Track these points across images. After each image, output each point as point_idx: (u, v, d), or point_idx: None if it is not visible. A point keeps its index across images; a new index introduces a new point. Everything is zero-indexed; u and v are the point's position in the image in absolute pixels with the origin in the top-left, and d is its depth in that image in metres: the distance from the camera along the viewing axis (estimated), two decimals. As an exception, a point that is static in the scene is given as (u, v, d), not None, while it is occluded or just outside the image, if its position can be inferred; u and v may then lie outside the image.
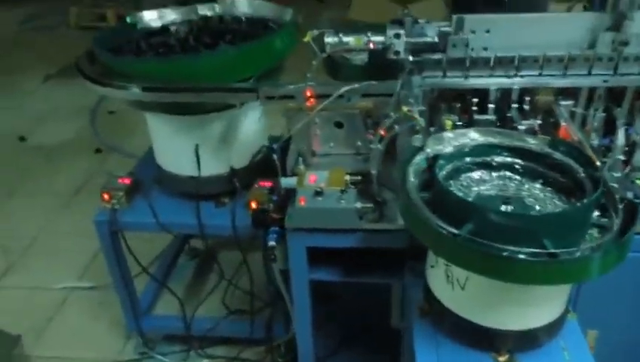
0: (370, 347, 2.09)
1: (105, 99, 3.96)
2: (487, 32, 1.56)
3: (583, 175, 1.23)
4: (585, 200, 1.13)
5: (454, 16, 1.56)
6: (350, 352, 2.13)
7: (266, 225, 1.71)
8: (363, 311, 2.12)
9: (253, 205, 1.74)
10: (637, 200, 1.15)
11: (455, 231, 1.12)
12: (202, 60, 1.80)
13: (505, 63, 1.55)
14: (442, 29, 1.58)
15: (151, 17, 2.11)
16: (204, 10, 2.22)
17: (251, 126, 1.97)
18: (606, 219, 1.17)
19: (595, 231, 1.16)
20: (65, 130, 4.01)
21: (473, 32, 1.56)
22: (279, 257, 1.70)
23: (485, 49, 1.56)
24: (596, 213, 1.20)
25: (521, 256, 1.05)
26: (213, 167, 1.96)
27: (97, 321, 2.44)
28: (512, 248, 1.07)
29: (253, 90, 1.66)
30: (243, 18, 2.17)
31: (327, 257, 1.71)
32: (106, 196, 1.95)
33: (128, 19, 2.10)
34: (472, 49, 1.56)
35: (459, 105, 1.67)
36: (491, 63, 1.54)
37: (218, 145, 1.94)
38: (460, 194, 1.27)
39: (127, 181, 2.00)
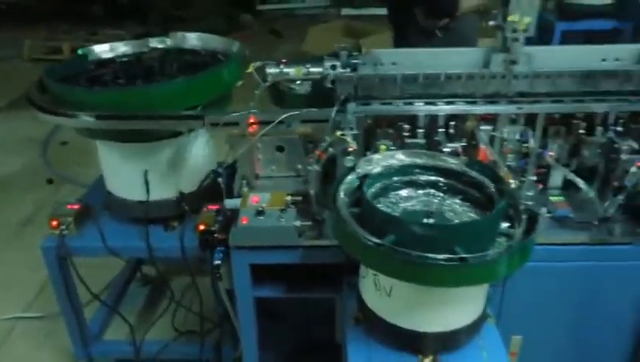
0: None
1: (58, 129, 3.96)
2: (394, 64, 1.73)
3: (493, 190, 1.37)
4: (490, 212, 1.27)
5: (364, 52, 1.74)
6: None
7: (212, 245, 1.79)
8: (310, 327, 2.20)
9: (201, 227, 1.82)
10: (536, 211, 1.30)
11: (379, 241, 1.23)
12: (152, 90, 1.88)
13: (409, 81, 1.71)
14: (353, 60, 1.73)
15: (102, 50, 2.19)
16: (155, 43, 2.32)
17: (199, 152, 2.05)
18: (513, 229, 1.31)
19: (503, 240, 1.29)
20: (13, 162, 3.98)
21: (381, 64, 1.73)
22: (225, 276, 1.78)
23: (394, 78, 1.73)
24: (506, 224, 1.34)
25: (435, 262, 1.17)
26: (162, 191, 2.02)
27: (44, 350, 2.42)
28: (428, 255, 1.18)
29: (199, 117, 1.76)
30: (193, 51, 2.28)
31: (271, 275, 1.80)
32: (54, 223, 1.98)
33: (79, 52, 2.18)
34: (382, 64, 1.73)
35: (393, 130, 1.81)
36: (398, 82, 1.70)
37: (167, 170, 2.01)
38: (388, 209, 1.39)
39: (76, 207, 2.04)
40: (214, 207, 1.88)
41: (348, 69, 1.75)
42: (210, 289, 2.02)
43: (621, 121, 1.74)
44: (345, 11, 8.09)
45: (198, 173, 2.05)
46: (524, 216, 1.29)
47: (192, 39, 2.32)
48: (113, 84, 1.98)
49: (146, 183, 1.98)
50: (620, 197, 1.62)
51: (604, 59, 1.75)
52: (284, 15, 8.44)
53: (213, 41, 2.28)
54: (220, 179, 1.79)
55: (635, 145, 1.68)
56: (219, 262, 1.73)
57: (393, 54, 1.77)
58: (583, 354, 1.82)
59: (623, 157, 1.64)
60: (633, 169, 1.59)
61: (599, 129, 1.73)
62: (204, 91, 1.91)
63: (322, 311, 1.91)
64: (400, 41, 2.57)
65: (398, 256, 1.19)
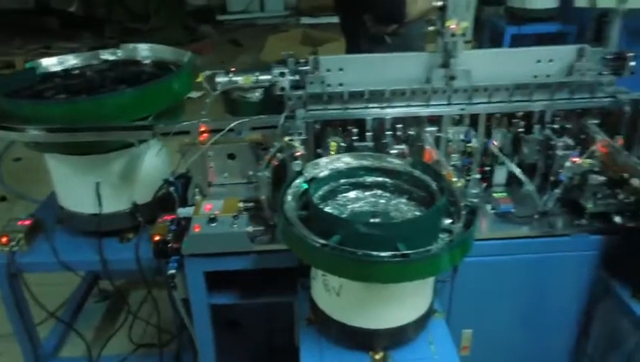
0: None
1: (11, 145, 3.86)
2: (341, 70, 1.77)
3: (435, 188, 1.42)
4: (429, 209, 1.32)
5: (310, 57, 1.76)
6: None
7: (167, 255, 1.78)
8: (272, 334, 2.21)
9: (156, 238, 1.81)
10: (475, 206, 1.35)
11: (325, 242, 1.26)
12: (102, 101, 1.87)
13: (357, 97, 1.76)
14: (300, 67, 1.77)
15: (50, 63, 2.17)
16: (105, 55, 2.31)
17: (152, 163, 2.05)
18: (454, 225, 1.36)
19: (445, 236, 1.34)
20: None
21: (329, 70, 1.77)
22: (180, 285, 1.78)
23: (341, 85, 1.77)
24: (448, 221, 1.39)
25: (379, 259, 1.21)
26: (115, 203, 2.01)
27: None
28: (372, 253, 1.22)
29: (149, 127, 1.76)
30: (144, 62, 2.28)
31: (228, 282, 1.81)
32: (3, 239, 1.94)
33: (27, 65, 2.15)
34: (329, 85, 1.77)
35: (343, 134, 1.86)
36: (345, 98, 1.74)
37: (120, 182, 2.00)
38: (336, 211, 1.43)
39: (27, 223, 2.01)
40: (169, 217, 1.88)
41: (297, 76, 1.79)
42: (167, 301, 2.02)
43: (557, 119, 1.84)
44: (304, 20, 8.16)
45: (151, 183, 2.04)
46: (463, 212, 1.34)
47: (144, 50, 2.32)
48: (60, 97, 1.96)
49: (98, 196, 1.96)
50: (558, 191, 1.70)
51: (538, 61, 1.83)
52: (244, 25, 8.45)
53: (164, 52, 2.28)
54: (172, 188, 1.79)
55: (570, 142, 1.77)
56: (173, 271, 1.73)
57: (339, 60, 1.81)
58: (531, 343, 1.89)
59: (559, 153, 1.73)
60: (568, 163, 1.67)
61: (537, 127, 1.82)
62: (154, 102, 1.91)
63: (283, 316, 1.93)
64: (352, 48, 2.63)
65: (344, 255, 1.23)
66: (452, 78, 1.75)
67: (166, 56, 2.27)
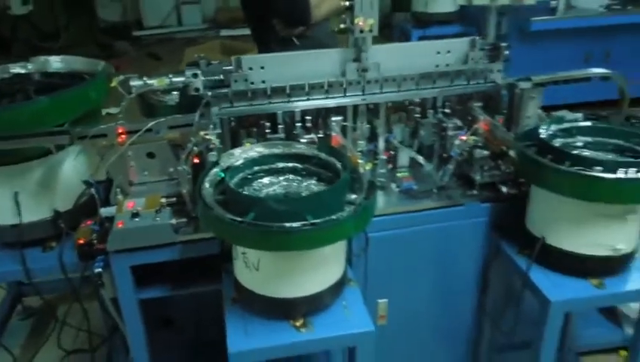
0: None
1: None
2: (262, 68, 1.91)
3: (340, 167, 1.58)
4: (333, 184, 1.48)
5: (233, 58, 1.89)
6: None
7: (92, 256, 1.83)
8: (203, 328, 2.28)
9: (80, 241, 1.85)
10: (374, 181, 1.53)
11: (241, 219, 1.38)
12: (18, 110, 1.88)
13: (279, 92, 1.90)
14: (225, 67, 1.89)
15: (-44, 77, 2.15)
16: (15, 69, 2.30)
17: (71, 169, 2.07)
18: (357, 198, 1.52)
19: (351, 207, 1.49)
20: None
21: (251, 68, 1.90)
22: (107, 284, 1.83)
23: (263, 82, 1.91)
24: (353, 196, 1.54)
25: (291, 229, 1.35)
26: (36, 212, 2.01)
27: None
28: (284, 224, 1.36)
29: (66, 132, 1.81)
30: (57, 73, 2.30)
31: (156, 278, 1.88)
32: None
33: None
34: (252, 83, 1.90)
35: (257, 128, 1.99)
36: (268, 92, 1.88)
37: (39, 190, 2.00)
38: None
39: (-59, 238, 1.98)
40: (92, 222, 1.93)
41: (209, 77, 1.90)
42: (97, 310, 2.05)
43: (448, 104, 2.06)
44: (224, 32, 8.23)
45: (72, 190, 2.06)
46: (365, 185, 1.51)
47: (56, 62, 2.34)
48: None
49: (17, 206, 1.97)
50: (451, 167, 1.91)
51: (438, 52, 2.05)
52: (162, 39, 8.40)
53: (77, 63, 2.31)
54: (93, 190, 1.85)
55: (459, 123, 2.00)
56: (100, 269, 1.78)
57: (259, 60, 1.94)
58: (441, 306, 2.09)
59: (450, 133, 1.95)
60: (457, 141, 1.89)
61: (431, 112, 2.04)
62: (70, 109, 1.94)
63: (216, 309, 2.02)
64: (264, 53, 2.76)
65: (259, 228, 1.36)
66: (365, 70, 1.92)
67: (79, 67, 2.30)
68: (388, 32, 5.75)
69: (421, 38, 4.98)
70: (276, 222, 1.36)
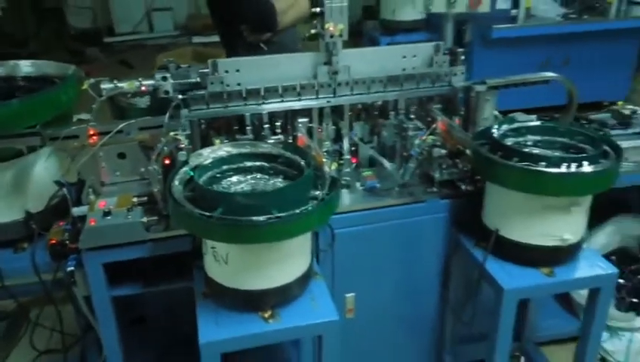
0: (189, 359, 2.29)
1: None
2: (238, 70, 1.99)
3: (304, 165, 1.66)
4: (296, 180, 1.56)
5: (209, 61, 1.96)
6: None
7: (64, 255, 1.87)
8: (176, 326, 2.32)
9: (52, 241, 1.89)
10: (336, 177, 1.61)
11: (210, 214, 1.45)
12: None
13: (254, 94, 1.98)
14: (201, 70, 1.96)
15: None
16: (-15, 73, 2.33)
17: (43, 171, 2.10)
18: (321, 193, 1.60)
19: (315, 202, 1.58)
20: None
21: (227, 71, 1.98)
22: (80, 282, 1.87)
23: (238, 84, 1.98)
24: (317, 192, 1.62)
25: (257, 222, 1.42)
26: (7, 214, 2.04)
27: None
28: (251, 218, 1.43)
29: (37, 133, 1.85)
30: (27, 78, 2.32)
31: (129, 276, 1.93)
32: None
33: None
34: (228, 85, 1.97)
35: (226, 130, 2.06)
36: (244, 95, 1.96)
37: (11, 192, 2.04)
38: (220, 193, 1.61)
39: None
40: (65, 223, 1.96)
41: (179, 80, 1.97)
42: (70, 310, 2.08)
43: (409, 106, 2.17)
44: (196, 39, 8.25)
45: (44, 191, 2.09)
46: (327, 181, 1.59)
47: (26, 67, 2.37)
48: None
49: (-12, 207, 2.00)
50: (412, 166, 2.02)
51: (404, 56, 2.16)
52: (134, 46, 8.38)
53: (47, 67, 2.34)
54: (65, 190, 1.89)
55: (420, 124, 2.11)
56: (72, 268, 1.82)
57: (235, 63, 2.02)
58: (406, 300, 2.18)
59: (410, 133, 2.05)
60: (417, 141, 2.00)
61: (392, 114, 2.15)
62: (40, 112, 1.98)
63: (188, 307, 2.06)
64: (230, 52, 2.85)
65: (227, 222, 1.43)
66: (335, 72, 2.01)
67: (50, 71, 2.33)
68: (358, 39, 5.88)
69: (389, 45, 5.12)
70: (243, 216, 1.44)
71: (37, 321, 2.24)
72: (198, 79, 1.99)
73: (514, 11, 4.52)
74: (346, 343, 2.00)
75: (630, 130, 2.41)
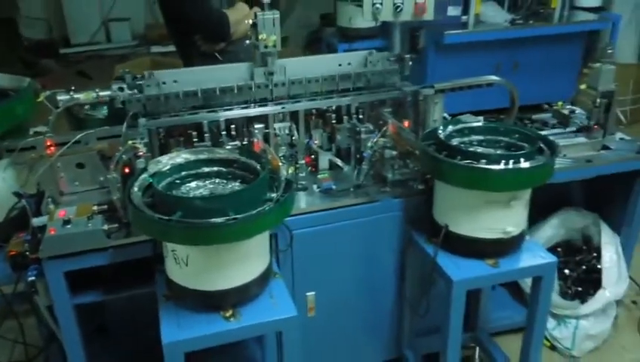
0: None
1: None
2: (175, 81, 2.05)
3: (259, 168, 1.73)
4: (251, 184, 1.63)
5: (146, 73, 2.03)
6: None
7: (25, 266, 1.88)
8: (140, 334, 2.34)
9: (11, 252, 1.89)
10: (290, 179, 1.69)
11: (169, 218, 1.51)
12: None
13: (190, 96, 2.05)
14: (138, 82, 2.03)
15: None
16: (-63, 86, 2.31)
17: (1, 183, 2.10)
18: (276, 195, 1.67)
19: (270, 204, 1.64)
20: None
21: (164, 82, 2.05)
22: (42, 292, 1.88)
23: (175, 82, 2.07)
24: (273, 194, 1.69)
25: (215, 223, 1.48)
26: (-36, 227, 2.04)
27: None
28: (208, 220, 1.49)
29: (-7, 145, 1.86)
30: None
31: (91, 284, 1.95)
32: None
33: None
34: (164, 83, 2.06)
35: (183, 138, 2.11)
36: (180, 97, 2.04)
37: (-32, 205, 2.04)
38: (179, 198, 1.67)
39: None
40: (24, 234, 1.97)
41: (135, 90, 2.02)
42: (33, 323, 2.08)
43: (361, 110, 2.27)
44: (154, 49, 8.21)
45: (2, 204, 2.10)
46: (282, 183, 1.67)
47: (-21, 79, 2.37)
48: None
49: (-56, 221, 1.99)
50: (365, 167, 2.11)
51: (340, 64, 2.26)
52: (91, 57, 8.27)
53: (1, 80, 2.35)
54: (24, 201, 1.90)
55: (371, 127, 2.21)
56: (33, 278, 1.83)
57: (173, 74, 2.08)
58: (364, 297, 2.27)
59: (363, 136, 2.15)
60: (369, 143, 2.10)
61: (346, 118, 2.24)
62: (-4, 124, 2.00)
63: (151, 313, 2.09)
64: (188, 66, 2.90)
65: (186, 224, 1.48)
66: (271, 73, 2.10)
67: (4, 84, 2.33)
68: (317, 45, 6.00)
69: (346, 51, 5.24)
70: (202, 219, 1.50)
71: (-1, 334, 2.23)
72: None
73: (464, 17, 4.71)
74: (309, 341, 2.09)
75: (568, 129, 2.58)
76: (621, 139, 2.56)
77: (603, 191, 2.70)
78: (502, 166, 1.76)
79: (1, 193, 2.10)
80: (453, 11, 4.72)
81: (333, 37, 5.61)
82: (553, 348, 2.68)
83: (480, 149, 1.98)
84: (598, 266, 2.61)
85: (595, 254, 2.67)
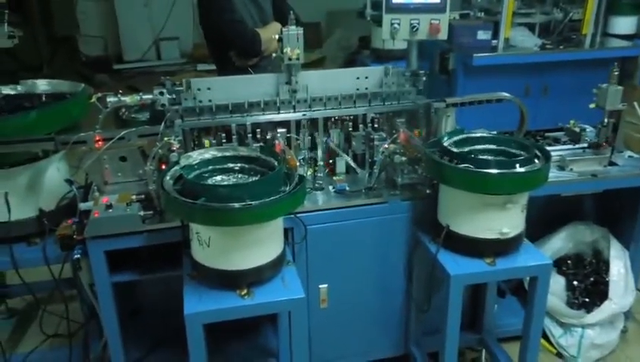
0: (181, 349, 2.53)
1: None
2: (209, 88, 2.30)
3: (277, 165, 1.95)
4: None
5: (184, 80, 2.28)
6: (163, 354, 2.53)
7: (72, 246, 2.15)
8: (171, 317, 2.57)
9: (61, 233, 2.17)
10: (303, 175, 1.90)
11: (195, 202, 1.74)
12: (9, 122, 2.23)
13: (222, 109, 2.29)
14: (177, 88, 2.29)
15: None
16: (6, 90, 2.66)
17: (55, 174, 2.40)
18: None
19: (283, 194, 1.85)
20: None
21: (199, 89, 2.29)
22: (85, 271, 2.15)
23: (210, 101, 2.30)
24: (287, 187, 1.90)
25: (233, 208, 1.70)
26: (23, 211, 2.32)
27: None
28: (228, 204, 1.71)
29: (51, 138, 2.15)
30: (43, 94, 2.66)
31: (128, 267, 2.20)
32: None
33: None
34: (201, 101, 2.29)
35: (215, 139, 2.36)
36: (213, 109, 2.27)
37: (27, 192, 2.33)
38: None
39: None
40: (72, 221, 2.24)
41: (173, 95, 2.28)
42: (76, 304, 2.34)
43: (377, 119, 2.47)
44: (200, 67, 8.67)
45: (55, 192, 2.39)
46: (295, 178, 1.88)
47: (42, 85, 2.71)
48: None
49: (7, 204, 2.28)
50: (376, 171, 2.30)
51: (357, 77, 2.47)
52: (141, 73, 8.81)
53: (61, 85, 2.69)
54: (73, 187, 2.18)
55: (385, 135, 2.40)
56: (78, 256, 2.10)
57: (207, 82, 2.34)
58: (374, 292, 2.44)
59: (376, 143, 2.35)
60: (381, 149, 2.29)
61: (361, 126, 2.45)
62: (53, 121, 2.29)
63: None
64: (221, 69, 3.20)
65: (208, 208, 1.71)
66: (294, 91, 2.32)
67: (63, 89, 2.67)
68: (352, 66, 6.26)
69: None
70: (221, 203, 1.72)
71: (45, 309, 2.50)
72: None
73: (494, 42, 4.86)
74: (321, 332, 2.26)
75: (578, 146, 2.69)
76: (630, 156, 2.66)
77: (613, 207, 2.79)
78: (498, 170, 1.92)
79: (55, 182, 2.40)
80: (483, 35, 4.89)
81: (367, 58, 5.86)
82: (560, 355, 2.76)
83: (479, 156, 2.14)
84: (606, 279, 2.68)
85: (603, 267, 2.75)
